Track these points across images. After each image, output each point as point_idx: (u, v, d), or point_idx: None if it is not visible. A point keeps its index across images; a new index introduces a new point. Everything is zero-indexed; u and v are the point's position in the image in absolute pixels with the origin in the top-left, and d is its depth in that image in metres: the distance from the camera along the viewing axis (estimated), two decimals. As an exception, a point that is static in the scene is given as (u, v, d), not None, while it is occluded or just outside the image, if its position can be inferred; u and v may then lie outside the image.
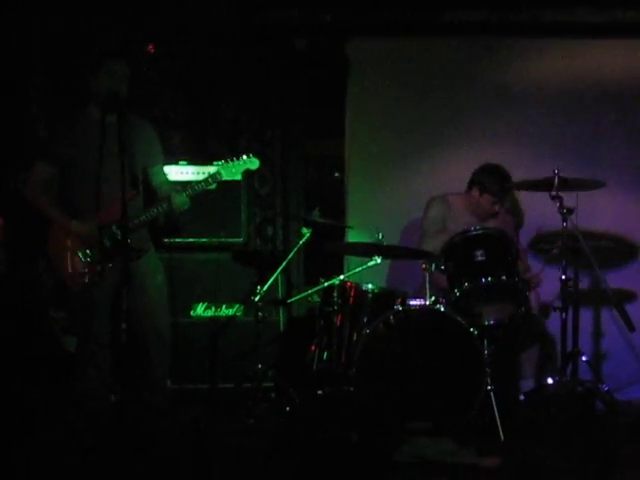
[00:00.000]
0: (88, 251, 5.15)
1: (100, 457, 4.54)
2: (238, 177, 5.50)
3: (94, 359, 5.21)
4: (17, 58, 6.24)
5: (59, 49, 6.28)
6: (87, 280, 5.08)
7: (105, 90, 4.99)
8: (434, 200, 6.00)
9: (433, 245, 5.64)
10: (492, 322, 5.35)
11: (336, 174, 7.05)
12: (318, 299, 5.70)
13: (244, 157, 5.40)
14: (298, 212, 6.53)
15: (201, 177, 5.44)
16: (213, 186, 5.40)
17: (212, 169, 5.36)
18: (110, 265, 5.10)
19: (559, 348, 5.47)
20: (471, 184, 5.91)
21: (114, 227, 5.10)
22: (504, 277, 5.30)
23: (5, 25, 6.17)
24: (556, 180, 5.31)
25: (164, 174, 5.55)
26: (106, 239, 5.13)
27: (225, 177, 5.33)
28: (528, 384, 5.75)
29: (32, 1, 6.22)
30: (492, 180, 5.81)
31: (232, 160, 5.35)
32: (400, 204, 6.45)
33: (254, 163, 5.43)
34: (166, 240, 5.99)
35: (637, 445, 4.97)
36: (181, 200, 5.23)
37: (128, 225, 4.69)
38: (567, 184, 5.35)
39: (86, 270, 5.10)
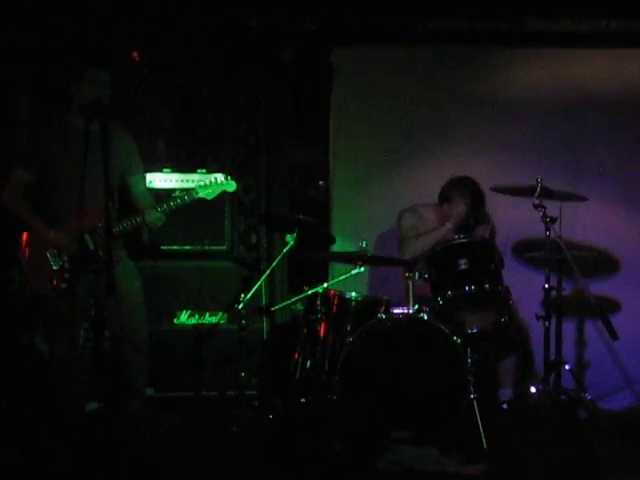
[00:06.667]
0: (58, 258, 5.12)
1: (78, 465, 4.52)
2: (210, 197, 5.45)
3: (67, 367, 5.19)
4: (3, 67, 6.22)
5: (44, 57, 6.25)
6: (55, 287, 5.07)
7: (88, 98, 4.97)
8: (405, 212, 6.02)
9: (413, 248, 5.68)
10: (475, 330, 5.36)
11: (320, 182, 7.05)
12: (302, 307, 5.70)
13: (223, 180, 5.40)
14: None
15: (184, 185, 5.42)
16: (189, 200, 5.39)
17: (194, 177, 5.33)
18: (79, 273, 5.09)
19: (542, 357, 5.48)
20: (441, 199, 5.92)
21: (86, 236, 5.09)
22: (487, 285, 5.31)
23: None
24: (539, 189, 5.34)
25: (144, 184, 5.54)
26: (79, 248, 5.11)
27: (201, 196, 5.32)
28: (507, 393, 5.74)
29: (17, 11, 6.19)
30: (461, 191, 5.80)
31: (210, 182, 5.34)
32: (384, 212, 6.43)
33: (231, 186, 5.44)
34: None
35: (618, 453, 4.99)
36: (155, 217, 5.22)
37: (106, 234, 4.67)
38: (551, 195, 5.38)
39: (55, 278, 5.08)
